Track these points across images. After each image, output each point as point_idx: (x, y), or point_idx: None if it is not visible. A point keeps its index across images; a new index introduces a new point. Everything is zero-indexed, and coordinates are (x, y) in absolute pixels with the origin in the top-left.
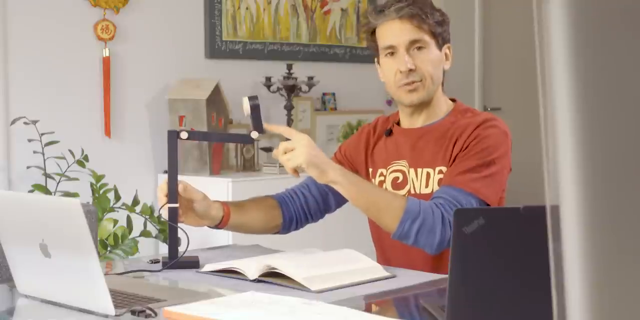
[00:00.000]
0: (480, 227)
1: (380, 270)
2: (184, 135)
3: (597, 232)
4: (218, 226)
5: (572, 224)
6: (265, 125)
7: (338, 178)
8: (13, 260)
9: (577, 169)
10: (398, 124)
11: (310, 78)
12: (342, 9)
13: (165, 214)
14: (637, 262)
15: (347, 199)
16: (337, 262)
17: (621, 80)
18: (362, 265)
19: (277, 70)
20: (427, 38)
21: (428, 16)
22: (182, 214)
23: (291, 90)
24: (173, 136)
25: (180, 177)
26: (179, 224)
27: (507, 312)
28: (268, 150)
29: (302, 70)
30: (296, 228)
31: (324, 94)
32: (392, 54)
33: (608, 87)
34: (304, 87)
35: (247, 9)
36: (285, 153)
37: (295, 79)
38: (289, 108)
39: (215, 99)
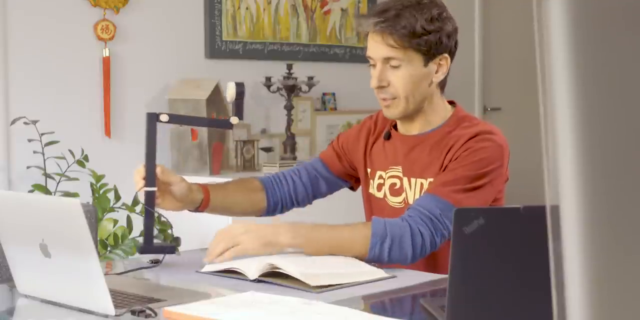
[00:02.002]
0: (480, 227)
1: (380, 272)
2: (164, 117)
3: (597, 232)
4: (198, 209)
5: (572, 224)
6: (209, 258)
7: (291, 242)
8: (13, 260)
9: (577, 168)
10: (396, 126)
11: (310, 78)
12: (342, 9)
13: (142, 198)
14: (636, 261)
15: (339, 185)
16: (338, 263)
17: (621, 78)
18: (362, 269)
19: (277, 70)
20: (403, 55)
21: (407, 33)
22: (160, 196)
23: (291, 90)
24: (152, 119)
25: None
26: (159, 209)
27: (507, 312)
28: (268, 150)
29: (302, 70)
30: (281, 212)
31: (324, 94)
32: (373, 65)
33: (608, 85)
34: (304, 87)
35: (247, 9)
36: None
37: (295, 79)
38: (289, 108)
39: (215, 99)
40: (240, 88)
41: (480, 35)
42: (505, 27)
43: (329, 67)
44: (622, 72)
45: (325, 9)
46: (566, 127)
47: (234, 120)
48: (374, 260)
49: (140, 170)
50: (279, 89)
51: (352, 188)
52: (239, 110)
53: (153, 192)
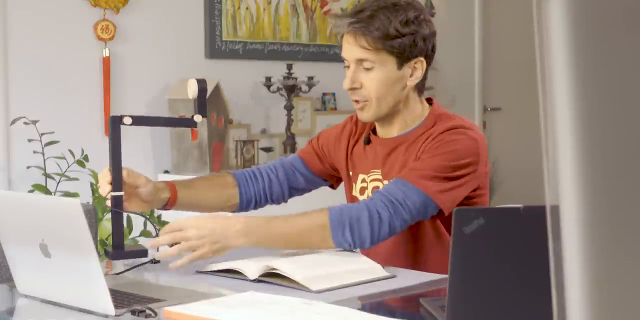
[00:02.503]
0: (480, 227)
1: (380, 271)
2: (127, 120)
3: (597, 232)
4: (165, 207)
5: (572, 224)
6: (152, 243)
7: (244, 242)
8: (13, 260)
9: (577, 169)
10: (375, 130)
11: (310, 78)
12: (342, 9)
13: (109, 202)
14: (636, 261)
15: (318, 183)
16: (337, 262)
17: (621, 79)
18: (362, 266)
19: (277, 70)
20: (375, 57)
21: (380, 35)
22: (126, 199)
23: (291, 90)
24: (116, 122)
25: (179, 177)
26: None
27: (507, 312)
28: (268, 150)
29: (302, 70)
30: (255, 208)
31: (324, 94)
32: (347, 66)
33: (608, 86)
34: (304, 87)
35: (247, 9)
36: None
37: (295, 79)
38: (289, 108)
39: (215, 99)
40: (202, 84)
41: (480, 35)
42: (505, 27)
43: (329, 67)
44: (622, 73)
45: (325, 9)
46: (566, 127)
47: (197, 118)
48: (342, 247)
49: (105, 174)
50: (279, 89)
51: (332, 186)
52: (201, 108)
53: (120, 196)
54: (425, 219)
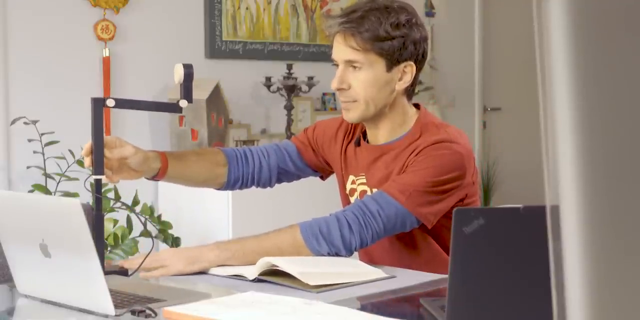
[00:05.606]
0: (480, 227)
1: (379, 273)
2: (110, 102)
3: (597, 232)
4: (155, 178)
5: (572, 224)
6: (127, 264)
7: (217, 257)
8: (13, 260)
9: (577, 169)
10: (365, 133)
11: (310, 78)
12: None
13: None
14: (637, 261)
15: (308, 174)
16: (336, 263)
17: (621, 78)
18: (361, 269)
19: (277, 70)
20: (364, 58)
21: (370, 36)
22: (117, 168)
23: (291, 90)
24: (99, 104)
25: None
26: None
27: (507, 312)
28: None
29: (302, 70)
30: (240, 188)
31: (324, 94)
32: (336, 64)
33: (608, 86)
34: (304, 87)
35: (247, 9)
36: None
37: (295, 79)
38: (289, 108)
39: (215, 99)
40: (188, 69)
41: (480, 35)
42: (505, 27)
43: (329, 67)
44: (622, 73)
45: (325, 9)
46: (566, 127)
47: (182, 103)
48: (320, 255)
49: (87, 147)
50: (279, 89)
51: (322, 177)
52: (187, 93)
53: (100, 180)
54: (404, 231)
